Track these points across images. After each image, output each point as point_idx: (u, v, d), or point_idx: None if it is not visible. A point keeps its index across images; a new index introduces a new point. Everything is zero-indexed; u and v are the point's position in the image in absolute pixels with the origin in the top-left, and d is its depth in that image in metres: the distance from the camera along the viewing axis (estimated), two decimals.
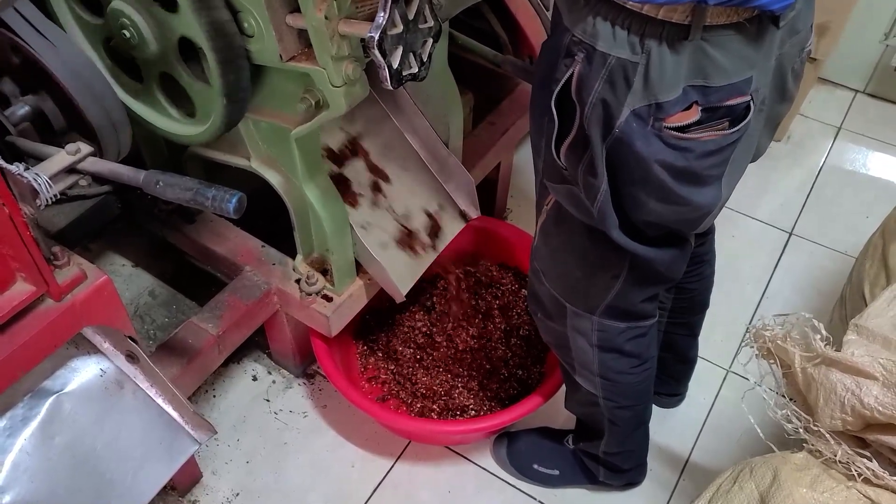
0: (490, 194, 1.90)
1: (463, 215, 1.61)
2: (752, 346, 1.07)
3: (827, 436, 0.98)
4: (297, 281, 1.43)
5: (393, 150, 1.53)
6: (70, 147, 0.88)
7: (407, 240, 1.49)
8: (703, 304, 1.47)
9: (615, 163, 0.92)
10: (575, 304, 1.15)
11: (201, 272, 1.69)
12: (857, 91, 2.42)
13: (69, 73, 0.90)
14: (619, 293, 1.09)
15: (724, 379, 1.70)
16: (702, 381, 1.65)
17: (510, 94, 1.86)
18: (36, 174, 0.84)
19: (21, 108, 0.94)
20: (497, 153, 1.75)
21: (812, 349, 0.99)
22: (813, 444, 1.00)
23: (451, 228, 1.58)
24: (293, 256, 1.46)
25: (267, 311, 1.46)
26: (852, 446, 0.98)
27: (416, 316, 1.70)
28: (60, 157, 0.88)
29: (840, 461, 0.98)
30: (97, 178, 0.92)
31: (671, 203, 0.95)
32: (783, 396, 1.05)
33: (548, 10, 1.80)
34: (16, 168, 0.83)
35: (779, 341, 1.03)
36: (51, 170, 0.86)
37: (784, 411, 1.03)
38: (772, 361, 1.06)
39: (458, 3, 1.31)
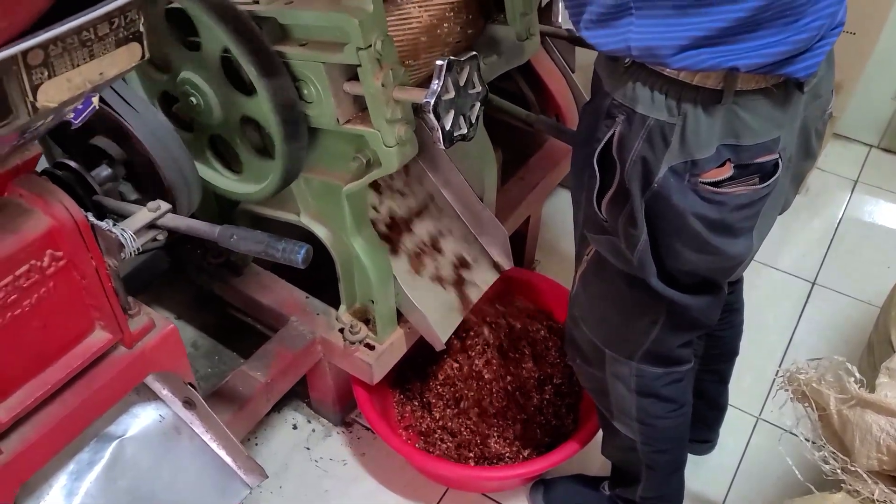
0: (519, 246, 1.97)
1: (497, 266, 1.67)
2: (787, 390, 1.11)
3: (864, 476, 1.02)
4: (341, 330, 1.49)
5: (430, 205, 1.60)
6: (151, 204, 0.96)
7: (444, 289, 1.55)
8: (732, 352, 1.52)
9: (654, 215, 0.99)
10: (614, 350, 1.20)
11: (241, 324, 1.75)
12: (871, 146, 2.50)
13: (151, 137, 0.99)
14: (657, 339, 1.15)
15: (755, 426, 1.73)
16: (732, 427, 1.68)
17: (538, 150, 1.94)
18: (122, 229, 0.91)
19: (105, 170, 1.02)
20: (527, 207, 1.82)
21: (846, 391, 1.03)
22: (851, 485, 1.04)
23: (486, 279, 1.64)
24: (334, 307, 1.52)
25: (311, 360, 1.52)
26: (889, 485, 1.01)
27: (451, 365, 1.75)
28: (142, 214, 0.95)
29: (878, 500, 1.01)
30: (171, 233, 1.00)
31: (706, 253, 1.02)
32: (820, 439, 1.09)
33: (573, 72, 1.90)
34: (105, 224, 0.90)
35: (813, 384, 1.07)
36: (134, 225, 0.94)
37: (821, 453, 1.06)
38: (806, 404, 1.10)
39: (496, 69, 1.40)
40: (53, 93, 0.69)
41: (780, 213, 1.15)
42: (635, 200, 0.98)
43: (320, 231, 1.38)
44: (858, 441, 1.02)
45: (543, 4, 1.36)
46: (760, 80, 0.91)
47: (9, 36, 0.62)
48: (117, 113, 0.98)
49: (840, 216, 2.29)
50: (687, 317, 1.12)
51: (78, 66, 0.70)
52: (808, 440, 1.07)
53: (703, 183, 0.95)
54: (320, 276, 1.52)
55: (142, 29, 0.74)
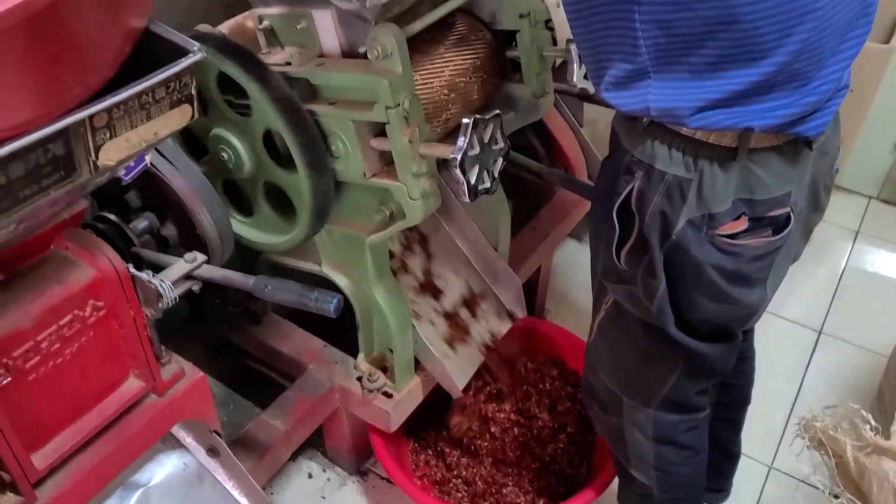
0: (530, 295, 2.00)
1: (510, 315, 1.70)
2: (804, 438, 1.14)
3: None
4: (359, 378, 1.51)
5: (445, 254, 1.64)
6: (188, 256, 1.00)
7: (460, 338, 1.58)
8: (745, 400, 1.54)
9: (672, 266, 1.03)
10: (632, 397, 1.23)
11: (256, 373, 1.77)
12: (870, 197, 2.55)
13: (189, 190, 1.03)
14: (674, 386, 1.17)
15: (768, 474, 1.74)
16: (745, 476, 1.69)
17: (548, 201, 1.99)
18: (161, 280, 0.95)
19: (142, 222, 1.06)
20: (539, 257, 1.86)
21: (863, 438, 1.06)
22: None
23: (500, 328, 1.67)
24: (352, 355, 1.55)
25: (330, 408, 1.53)
26: None
27: (465, 413, 1.76)
28: (180, 265, 0.99)
29: None
30: (206, 283, 1.03)
31: (724, 302, 1.05)
32: (837, 486, 1.10)
33: (581, 126, 1.96)
34: (145, 276, 0.94)
35: (830, 432, 1.10)
36: (172, 276, 0.97)
37: (839, 500, 1.08)
38: (823, 452, 1.12)
39: (513, 125, 1.45)
40: (113, 152, 0.73)
41: (791, 264, 1.19)
42: (654, 251, 1.02)
43: (341, 280, 1.41)
44: (876, 488, 1.04)
45: (557, 65, 1.42)
46: (773, 138, 0.96)
47: (80, 100, 0.67)
48: (155, 167, 1.03)
49: (843, 266, 2.33)
50: (704, 364, 1.14)
51: (136, 126, 0.74)
52: (825, 490, 1.09)
53: (719, 235, 1.00)
54: (338, 325, 1.55)
55: (193, 92, 0.79)
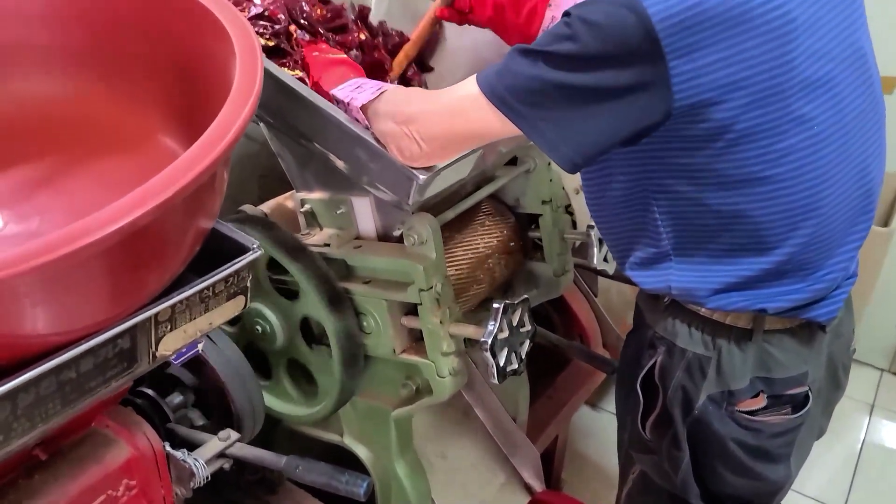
0: (547, 465, 1.96)
1: (528, 488, 1.67)
2: None
3: None
4: None
5: (463, 423, 1.64)
6: (222, 434, 1.01)
7: None
8: None
9: (696, 439, 1.05)
10: None
11: None
12: (882, 370, 2.57)
13: (227, 367, 1.06)
14: None
15: None
16: None
17: (564, 368, 2.01)
18: (195, 459, 0.96)
19: (177, 397, 1.08)
20: (556, 426, 1.85)
21: None
22: None
23: (518, 501, 1.64)
24: None
25: None
26: None
27: None
28: (213, 443, 1.00)
29: None
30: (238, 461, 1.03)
31: (748, 477, 1.06)
32: None
33: (596, 296, 2.02)
34: (180, 455, 0.95)
35: None
36: (206, 455, 0.98)
37: None
38: None
39: (534, 301, 1.50)
40: (171, 343, 0.77)
41: (816, 440, 1.20)
42: (678, 425, 1.04)
43: (362, 452, 1.41)
44: None
45: (577, 246, 1.49)
46: (786, 321, 1.01)
47: (150, 297, 0.72)
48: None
49: (862, 440, 2.30)
50: None
51: (194, 318, 0.78)
52: None
53: (739, 411, 1.02)
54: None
55: (248, 284, 0.84)
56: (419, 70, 1.42)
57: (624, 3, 0.80)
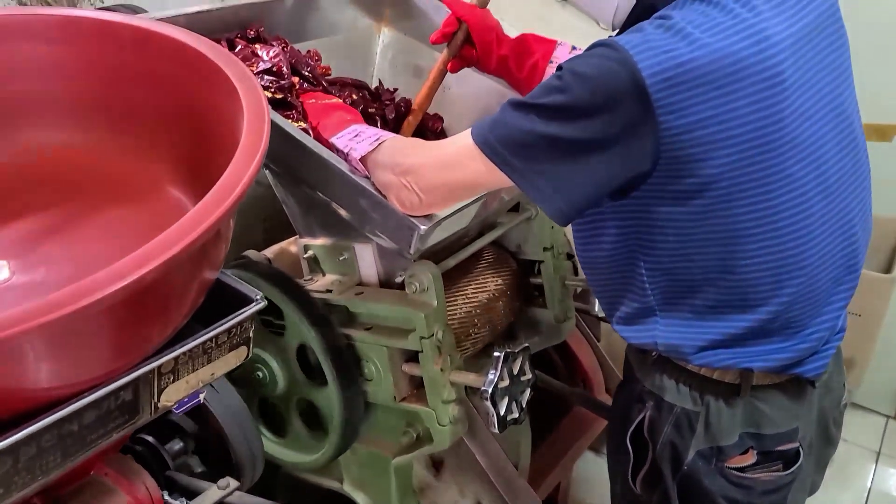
0: None
1: None
2: None
3: None
4: None
5: (463, 471, 1.63)
6: (221, 482, 1.00)
7: None
8: None
9: (686, 495, 1.04)
10: None
11: None
12: (888, 416, 2.55)
13: (228, 415, 1.06)
14: None
15: None
16: None
17: (565, 416, 1.99)
18: None
19: (177, 444, 1.08)
20: (559, 473, 1.83)
21: None
22: None
23: None
24: None
25: None
26: None
27: None
28: (213, 492, 0.99)
29: None
30: None
31: None
32: None
33: (598, 340, 2.01)
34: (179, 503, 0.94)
35: None
36: None
37: None
38: None
39: (536, 347, 1.50)
40: (173, 394, 0.77)
41: (808, 496, 1.18)
42: (668, 481, 1.04)
43: (361, 499, 1.40)
44: None
45: (578, 292, 1.50)
46: (773, 377, 1.01)
47: (154, 349, 0.72)
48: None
49: (868, 488, 2.27)
50: None
51: (196, 370, 0.79)
52: None
53: (728, 468, 1.01)
54: None
55: (251, 335, 0.85)
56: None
57: (615, 58, 0.82)
